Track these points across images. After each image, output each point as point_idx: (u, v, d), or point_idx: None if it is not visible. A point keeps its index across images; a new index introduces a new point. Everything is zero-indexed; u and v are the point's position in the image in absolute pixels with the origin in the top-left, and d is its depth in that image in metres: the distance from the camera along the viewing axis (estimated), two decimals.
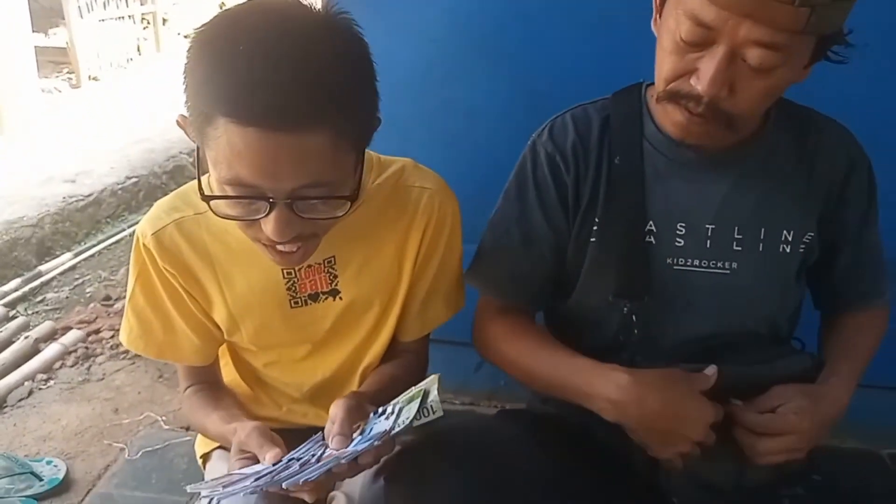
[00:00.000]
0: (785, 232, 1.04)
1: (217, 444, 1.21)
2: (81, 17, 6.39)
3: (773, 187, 1.03)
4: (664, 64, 0.92)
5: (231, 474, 0.89)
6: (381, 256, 1.08)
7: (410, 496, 0.95)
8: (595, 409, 0.97)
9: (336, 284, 1.08)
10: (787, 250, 1.05)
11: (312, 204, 0.85)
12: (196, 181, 1.03)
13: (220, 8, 0.84)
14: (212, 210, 0.86)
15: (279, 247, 0.89)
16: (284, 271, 1.05)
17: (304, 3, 0.84)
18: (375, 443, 0.83)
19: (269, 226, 0.84)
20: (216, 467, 1.18)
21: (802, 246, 1.05)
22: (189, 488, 0.93)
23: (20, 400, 2.16)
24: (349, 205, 0.88)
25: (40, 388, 2.23)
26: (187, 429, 1.99)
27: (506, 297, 1.14)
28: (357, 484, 1.06)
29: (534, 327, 1.13)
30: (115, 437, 1.97)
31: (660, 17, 0.95)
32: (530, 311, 1.17)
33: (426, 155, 1.16)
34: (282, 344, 1.13)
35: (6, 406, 2.14)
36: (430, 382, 0.87)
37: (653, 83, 1.01)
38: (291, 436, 1.17)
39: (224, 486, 0.86)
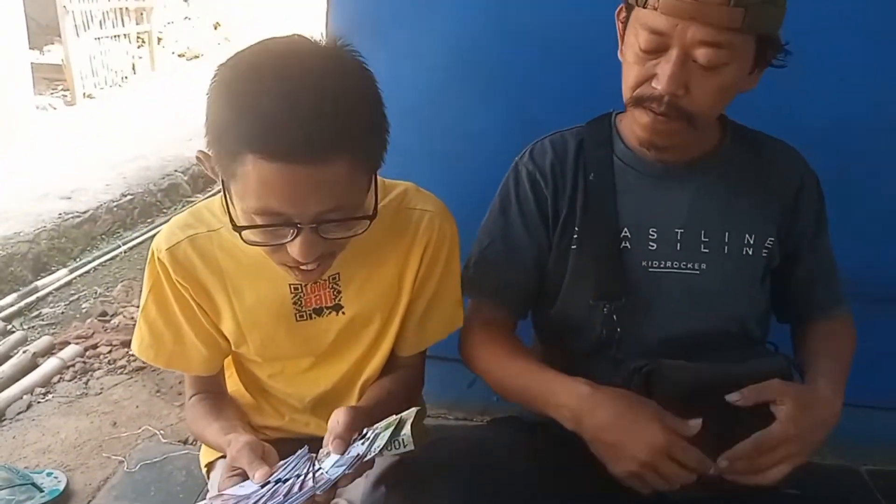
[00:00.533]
0: (747, 236, 1.15)
1: (221, 454, 1.26)
2: (77, 35, 6.44)
3: (734, 195, 1.16)
4: (629, 75, 1.06)
5: (219, 495, 0.92)
6: (383, 274, 1.14)
7: (410, 501, 0.99)
8: (558, 418, 1.04)
9: (339, 300, 1.13)
10: (751, 253, 1.16)
11: (334, 226, 0.92)
12: (209, 201, 1.13)
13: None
14: (242, 239, 0.92)
15: (303, 266, 0.96)
16: (291, 286, 1.11)
17: (312, 38, 0.91)
18: (347, 471, 0.88)
19: (295, 249, 0.91)
20: (219, 477, 1.22)
21: (765, 251, 1.16)
22: None
23: (19, 413, 2.18)
24: (368, 223, 0.95)
25: (39, 402, 2.25)
26: (185, 442, 2.02)
27: (492, 304, 1.22)
28: (359, 491, 1.11)
29: (510, 340, 1.20)
30: (114, 450, 1.99)
31: (622, 42, 1.09)
32: (513, 319, 1.25)
33: (426, 178, 1.21)
34: (286, 356, 1.18)
35: (5, 419, 2.16)
36: (409, 414, 0.91)
37: (621, 111, 1.18)
38: (292, 445, 1.22)
39: None
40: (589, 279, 1.16)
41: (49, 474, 1.85)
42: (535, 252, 1.21)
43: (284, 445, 1.15)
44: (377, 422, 0.98)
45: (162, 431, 2.08)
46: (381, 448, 0.88)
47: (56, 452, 1.99)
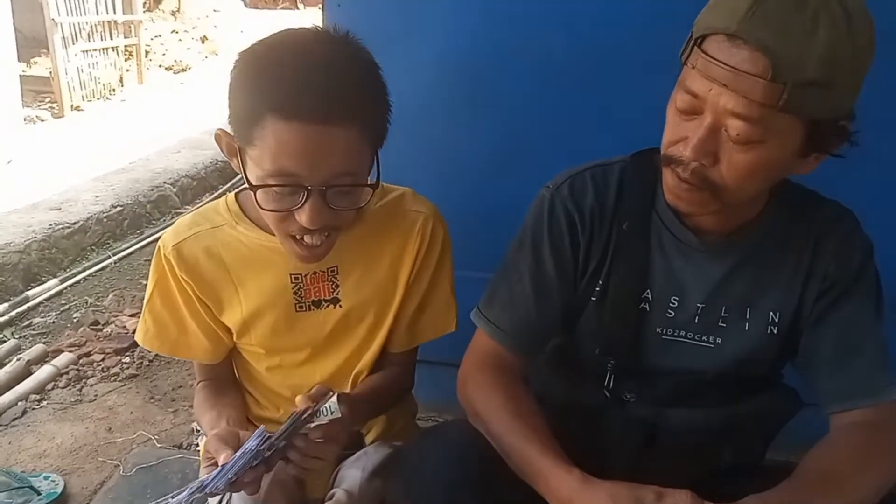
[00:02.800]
0: (772, 313, 1.09)
1: None
2: (65, 47, 6.47)
3: (766, 269, 1.08)
4: (666, 131, 0.98)
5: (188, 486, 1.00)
6: (379, 270, 1.21)
7: (406, 491, 1.03)
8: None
9: (337, 293, 1.20)
10: (775, 332, 1.09)
11: (340, 193, 1.00)
12: (214, 203, 1.22)
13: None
14: (257, 202, 1.01)
15: (307, 239, 1.04)
16: (292, 276, 1.18)
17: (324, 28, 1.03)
18: (282, 443, 0.98)
19: (304, 215, 0.99)
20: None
21: (788, 328, 1.09)
22: None
23: (14, 419, 2.20)
24: (371, 195, 1.05)
25: (34, 408, 2.27)
26: (179, 446, 2.06)
27: (509, 345, 1.15)
28: (356, 483, 1.17)
29: (517, 392, 1.11)
30: (110, 455, 2.02)
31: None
32: (523, 363, 1.18)
33: (418, 187, 1.28)
34: (286, 346, 1.24)
35: (0, 425, 2.18)
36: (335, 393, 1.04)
37: None
38: None
39: (172, 498, 0.96)
40: (600, 332, 1.13)
41: (46, 478, 1.88)
42: (564, 296, 1.14)
43: None
44: (363, 409, 1.13)
45: (156, 437, 2.11)
46: (311, 415, 0.99)
47: (52, 457, 2.02)
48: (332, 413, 1.00)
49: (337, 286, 1.20)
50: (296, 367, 1.27)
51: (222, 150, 1.07)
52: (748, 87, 0.85)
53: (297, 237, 1.05)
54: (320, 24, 1.60)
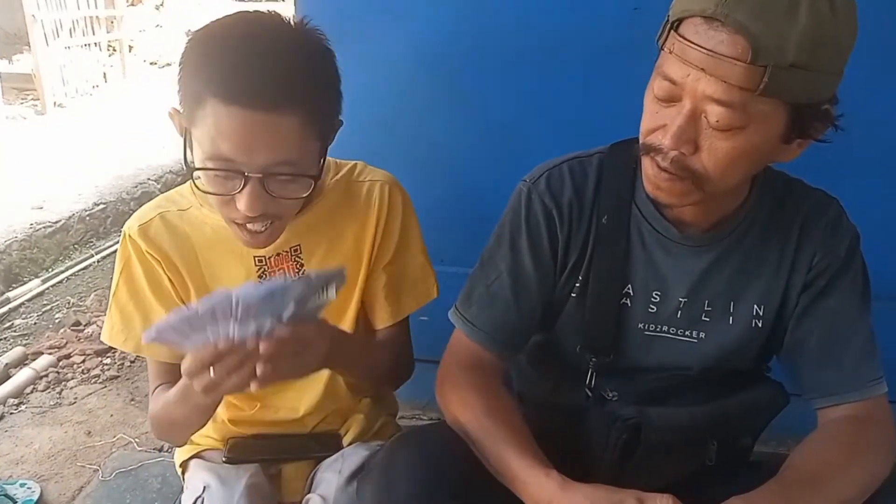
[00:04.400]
0: (756, 306, 1.07)
1: (195, 452, 1.27)
2: (47, 43, 6.37)
3: (749, 262, 1.06)
4: (643, 119, 0.95)
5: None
6: (342, 245, 1.18)
7: (379, 494, 0.99)
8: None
9: (303, 272, 1.17)
10: (760, 325, 1.08)
11: (281, 182, 0.97)
12: (179, 187, 1.20)
13: (187, 36, 0.96)
14: (196, 187, 1.00)
15: (249, 226, 1.01)
16: (256, 258, 1.15)
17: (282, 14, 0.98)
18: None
19: (242, 201, 0.96)
20: (195, 475, 1.23)
21: (773, 321, 1.08)
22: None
23: None
24: (312, 186, 1.00)
25: (11, 413, 2.23)
26: (160, 449, 2.02)
27: (488, 345, 1.13)
28: (332, 488, 1.14)
29: (495, 393, 1.08)
30: (89, 460, 1.99)
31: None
32: (502, 363, 1.16)
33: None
34: None
35: None
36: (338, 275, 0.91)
37: None
38: (267, 440, 1.25)
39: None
40: (581, 329, 1.11)
41: (22, 485, 1.84)
42: (543, 293, 1.12)
43: (251, 446, 1.25)
44: (350, 341, 1.11)
45: (137, 440, 2.08)
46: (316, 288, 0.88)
47: (30, 463, 1.98)
48: (334, 288, 0.90)
49: (301, 265, 1.18)
50: None
51: (176, 129, 1.05)
52: (727, 72, 0.82)
53: (239, 223, 1.02)
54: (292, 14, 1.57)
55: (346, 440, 1.28)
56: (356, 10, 1.59)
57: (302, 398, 1.25)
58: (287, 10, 1.19)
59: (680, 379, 1.12)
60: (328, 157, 1.17)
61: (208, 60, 0.93)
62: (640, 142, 0.96)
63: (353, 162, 1.23)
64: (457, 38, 1.59)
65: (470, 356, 1.13)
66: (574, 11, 1.53)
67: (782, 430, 1.14)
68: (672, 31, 0.88)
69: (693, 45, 0.84)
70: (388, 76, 1.62)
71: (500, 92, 1.63)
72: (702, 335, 1.09)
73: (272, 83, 0.90)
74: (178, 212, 1.16)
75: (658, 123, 0.92)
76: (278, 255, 1.16)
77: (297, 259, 1.17)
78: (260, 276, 1.16)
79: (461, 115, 1.66)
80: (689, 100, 0.87)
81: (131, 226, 1.14)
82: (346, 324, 1.22)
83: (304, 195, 1.01)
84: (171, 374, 1.20)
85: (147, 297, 1.15)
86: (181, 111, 0.99)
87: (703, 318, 1.09)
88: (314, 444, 1.27)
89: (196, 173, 0.98)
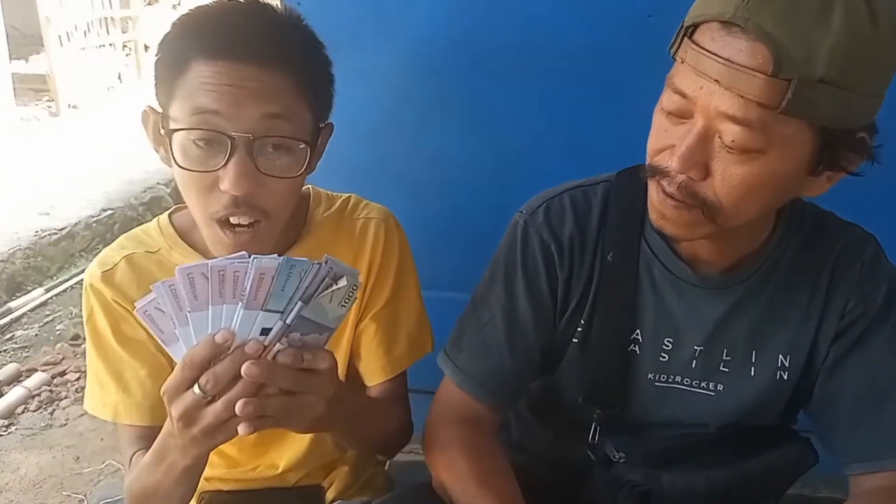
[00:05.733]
0: (781, 357, 0.96)
1: None
2: (61, 45, 6.36)
3: (774, 307, 0.95)
4: (651, 138, 0.84)
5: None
6: None
7: None
8: None
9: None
10: (786, 377, 0.97)
11: (272, 156, 0.88)
12: (144, 226, 1.08)
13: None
14: (176, 163, 0.88)
15: (233, 219, 0.90)
16: None
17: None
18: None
19: (227, 178, 0.86)
20: None
21: (801, 373, 0.97)
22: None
23: None
24: (306, 162, 0.91)
25: (1, 435, 2.19)
26: None
27: (479, 396, 1.01)
28: None
29: (486, 453, 0.98)
30: (75, 488, 1.93)
31: None
32: (496, 415, 1.05)
33: (387, 200, 1.16)
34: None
35: None
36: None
37: None
38: (246, 496, 1.14)
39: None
40: (584, 378, 1.00)
41: None
42: (541, 338, 1.00)
43: (235, 495, 1.15)
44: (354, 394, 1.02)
45: (125, 466, 1.99)
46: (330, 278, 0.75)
47: (14, 491, 1.92)
48: (352, 285, 0.76)
49: None
50: None
51: (147, 136, 0.95)
52: (745, 85, 0.71)
53: (223, 219, 0.90)
54: None
55: (329, 494, 1.18)
56: (344, 14, 1.51)
57: (283, 454, 1.14)
58: None
59: (694, 438, 1.00)
60: (319, 189, 1.11)
61: (190, 25, 0.88)
62: (647, 163, 0.85)
63: (347, 195, 1.13)
64: (453, 50, 1.50)
65: (459, 408, 1.02)
66: (578, 20, 1.44)
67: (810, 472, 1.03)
68: (686, 39, 0.77)
69: (708, 54, 0.73)
70: (380, 90, 1.55)
71: (498, 106, 1.54)
72: (720, 388, 0.98)
73: (261, 38, 0.86)
74: (146, 253, 1.03)
75: (666, 143, 0.81)
76: None
77: None
78: None
79: (457, 131, 1.58)
80: (701, 116, 0.76)
81: (93, 273, 1.02)
82: (339, 369, 1.10)
83: (297, 174, 0.91)
84: (147, 440, 1.07)
85: (116, 352, 1.03)
86: (157, 92, 0.91)
87: (721, 368, 0.97)
88: (295, 500, 1.17)
89: (171, 142, 0.88)
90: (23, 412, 2.29)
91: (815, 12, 0.69)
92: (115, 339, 1.03)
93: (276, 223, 0.94)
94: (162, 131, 0.90)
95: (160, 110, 0.91)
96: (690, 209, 0.80)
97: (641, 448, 1.00)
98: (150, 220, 1.08)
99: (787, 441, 1.02)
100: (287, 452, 1.14)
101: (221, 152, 0.85)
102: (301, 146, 0.89)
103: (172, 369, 1.03)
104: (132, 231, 1.07)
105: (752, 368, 0.97)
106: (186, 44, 0.86)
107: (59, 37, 6.33)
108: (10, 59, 5.88)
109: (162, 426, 1.07)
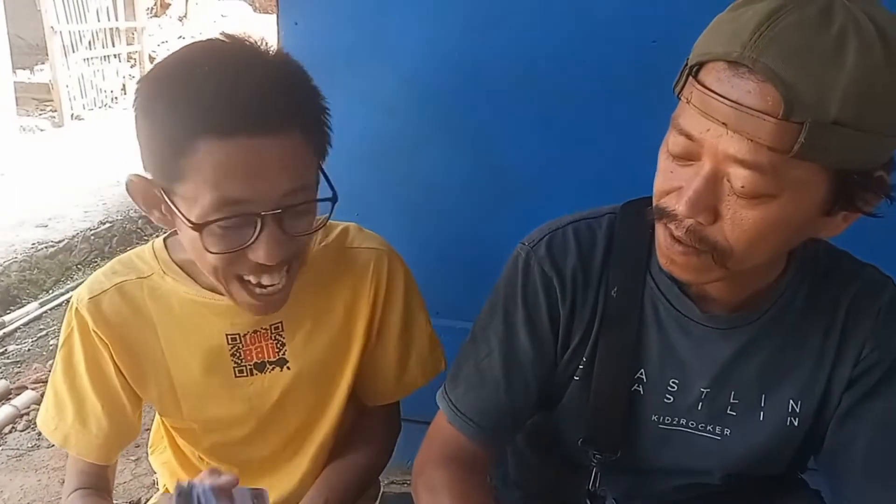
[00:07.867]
0: (792, 402, 0.92)
1: None
2: (66, 55, 6.38)
3: (785, 350, 0.91)
4: (657, 179, 0.81)
5: None
6: (332, 322, 1.05)
7: None
8: None
9: (284, 353, 1.04)
10: (796, 423, 0.92)
11: (296, 216, 0.86)
12: (138, 249, 1.05)
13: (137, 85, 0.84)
14: (204, 247, 0.84)
15: (265, 279, 0.88)
16: (229, 336, 1.01)
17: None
18: None
19: (260, 250, 0.84)
20: None
21: (812, 420, 0.93)
22: None
23: None
24: (331, 207, 0.90)
25: None
26: (137, 503, 1.89)
27: (471, 434, 0.97)
28: None
29: (473, 496, 0.94)
30: None
31: None
32: (488, 453, 1.01)
33: (386, 227, 1.15)
34: (224, 418, 1.06)
35: None
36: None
37: None
38: None
39: None
40: (584, 419, 0.96)
41: None
42: (540, 375, 0.97)
43: None
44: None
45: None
46: None
47: None
48: None
49: (283, 345, 1.03)
50: (240, 444, 1.09)
51: (137, 203, 0.90)
52: (754, 128, 0.67)
53: (252, 281, 0.88)
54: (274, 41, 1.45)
55: None
56: (340, 37, 1.48)
57: (273, 490, 1.10)
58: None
59: (698, 489, 0.96)
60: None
61: (187, 101, 0.79)
62: (654, 205, 0.81)
63: (345, 225, 1.10)
64: (453, 65, 1.46)
65: (450, 446, 0.98)
66: (581, 45, 1.40)
67: None
68: (690, 78, 0.73)
69: (714, 96, 0.69)
70: (378, 114, 1.51)
71: (500, 132, 1.50)
72: (726, 432, 0.94)
73: (270, 102, 0.80)
74: (138, 280, 1.00)
75: (673, 185, 0.77)
76: (255, 332, 1.01)
77: (277, 337, 1.03)
78: (233, 357, 1.01)
79: (459, 152, 1.54)
80: (708, 159, 0.72)
81: (81, 296, 0.99)
82: (337, 405, 1.09)
83: (318, 224, 0.92)
84: (93, 477, 1.06)
85: (83, 383, 1.01)
86: (152, 170, 0.84)
87: (728, 411, 0.93)
88: None
89: (200, 232, 0.83)
90: (10, 431, 2.24)
91: (828, 51, 0.65)
92: (86, 369, 1.01)
93: (297, 270, 0.94)
94: (179, 217, 0.84)
95: (149, 176, 0.85)
96: (700, 254, 0.77)
97: (642, 497, 0.97)
98: (150, 234, 1.05)
99: (796, 494, 0.98)
100: (277, 487, 1.11)
101: (249, 229, 0.83)
102: (322, 204, 0.89)
103: (132, 413, 1.02)
104: (126, 255, 1.05)
105: (762, 413, 0.92)
106: (187, 122, 0.79)
107: (64, 47, 6.35)
108: (15, 69, 5.89)
109: (107, 467, 1.05)
